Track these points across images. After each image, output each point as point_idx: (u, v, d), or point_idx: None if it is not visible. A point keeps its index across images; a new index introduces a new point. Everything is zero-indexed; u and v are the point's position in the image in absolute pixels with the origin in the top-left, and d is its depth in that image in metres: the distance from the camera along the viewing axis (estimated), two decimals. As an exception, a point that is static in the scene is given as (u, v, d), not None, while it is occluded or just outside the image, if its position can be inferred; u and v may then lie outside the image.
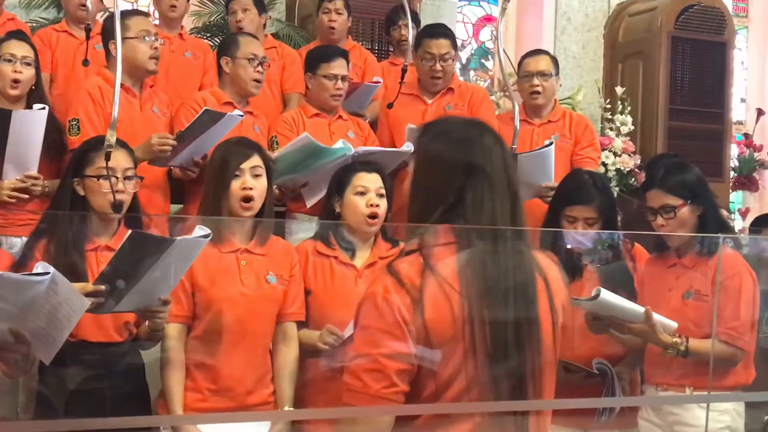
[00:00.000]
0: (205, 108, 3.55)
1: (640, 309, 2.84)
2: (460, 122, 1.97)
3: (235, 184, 2.93)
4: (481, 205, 1.81)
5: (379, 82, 4.62)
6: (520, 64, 4.34)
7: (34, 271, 2.26)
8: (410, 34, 4.02)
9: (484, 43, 7.63)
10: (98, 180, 2.84)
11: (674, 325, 2.88)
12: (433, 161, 1.88)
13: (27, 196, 3.43)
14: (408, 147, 3.86)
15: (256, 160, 2.97)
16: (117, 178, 2.83)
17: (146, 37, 3.65)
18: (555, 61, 4.34)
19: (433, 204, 1.83)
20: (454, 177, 1.82)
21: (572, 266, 3.14)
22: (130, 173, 2.91)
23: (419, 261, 1.77)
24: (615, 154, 6.07)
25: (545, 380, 1.84)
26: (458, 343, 1.73)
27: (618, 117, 6.26)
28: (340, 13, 4.86)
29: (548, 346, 1.84)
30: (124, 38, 3.46)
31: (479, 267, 1.77)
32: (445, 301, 1.74)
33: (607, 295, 2.77)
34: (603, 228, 3.16)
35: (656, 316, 2.83)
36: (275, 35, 5.33)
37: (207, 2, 6.13)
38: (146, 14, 3.91)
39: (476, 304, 1.74)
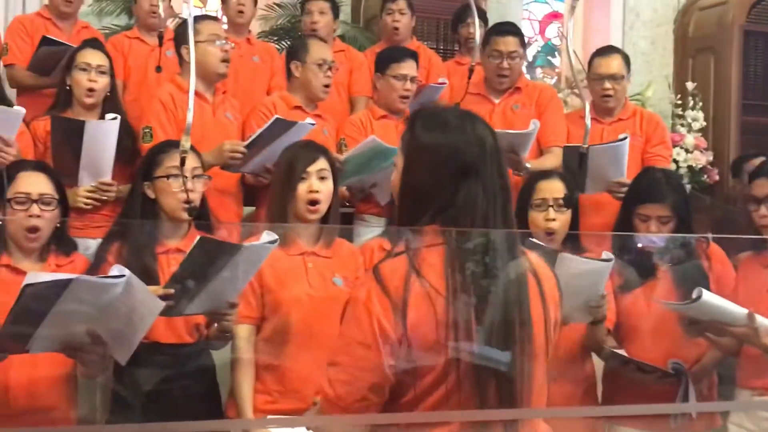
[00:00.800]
0: (277, 116, 3.57)
1: (743, 311, 2.72)
2: (451, 114, 1.88)
3: (302, 187, 2.94)
4: (474, 207, 1.75)
5: (444, 83, 4.61)
6: (590, 63, 4.26)
7: (110, 273, 2.31)
8: (477, 32, 4.00)
9: (550, 39, 7.56)
10: (167, 179, 2.89)
11: None
12: (425, 159, 1.81)
13: (100, 204, 3.51)
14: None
15: (322, 163, 2.98)
16: (186, 177, 2.87)
17: (216, 41, 3.70)
18: (626, 59, 4.23)
19: (422, 205, 1.78)
20: (446, 178, 1.77)
21: (645, 266, 3.09)
22: (198, 172, 2.96)
23: (405, 264, 1.74)
24: (686, 151, 5.96)
25: (535, 383, 1.79)
26: (443, 347, 1.70)
27: (689, 113, 6.15)
28: (403, 13, 4.87)
29: (540, 348, 1.79)
30: (194, 42, 3.52)
31: (467, 269, 1.73)
32: (428, 306, 1.70)
33: (708, 296, 2.67)
34: (677, 226, 3.09)
35: (760, 319, 2.72)
36: (341, 37, 5.36)
37: (274, 6, 6.20)
38: (216, 19, 3.94)
39: (463, 308, 1.70)
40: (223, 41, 3.74)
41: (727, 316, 2.74)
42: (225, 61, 3.74)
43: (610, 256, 2.81)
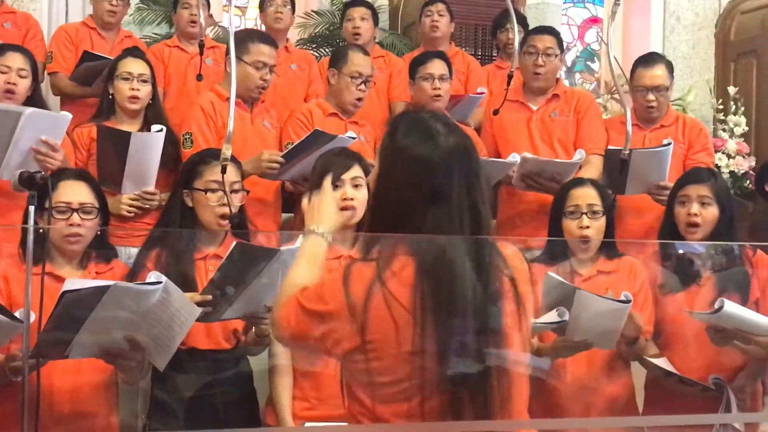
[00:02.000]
0: (316, 128, 3.58)
1: (766, 320, 2.71)
2: (433, 122, 1.84)
3: (336, 195, 2.95)
4: (438, 232, 1.75)
5: (483, 93, 4.59)
6: (633, 71, 4.17)
7: (147, 280, 2.34)
8: (516, 37, 3.98)
9: (589, 45, 7.52)
10: (206, 193, 2.91)
11: None
12: (398, 167, 1.82)
13: (142, 212, 3.55)
14: (514, 158, 3.82)
15: (356, 170, 2.98)
16: (224, 191, 2.88)
17: (259, 68, 3.69)
18: (670, 67, 4.16)
19: (394, 225, 1.79)
20: (415, 200, 1.78)
21: (689, 272, 3.06)
22: (236, 186, 2.98)
23: (373, 271, 1.74)
24: (728, 156, 5.88)
25: (513, 390, 1.78)
26: (404, 360, 1.70)
27: (731, 118, 6.07)
28: (442, 15, 4.90)
29: (516, 354, 1.79)
30: (240, 59, 3.54)
31: (437, 282, 1.72)
32: (388, 317, 1.70)
33: (731, 307, 2.66)
34: (719, 217, 3.07)
35: None
36: (379, 44, 5.38)
37: (312, 14, 6.23)
38: (271, 44, 3.81)
39: (431, 321, 1.70)
40: (267, 69, 3.71)
41: (751, 326, 2.72)
42: (260, 88, 3.73)
43: (629, 297, 2.80)
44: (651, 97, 4.08)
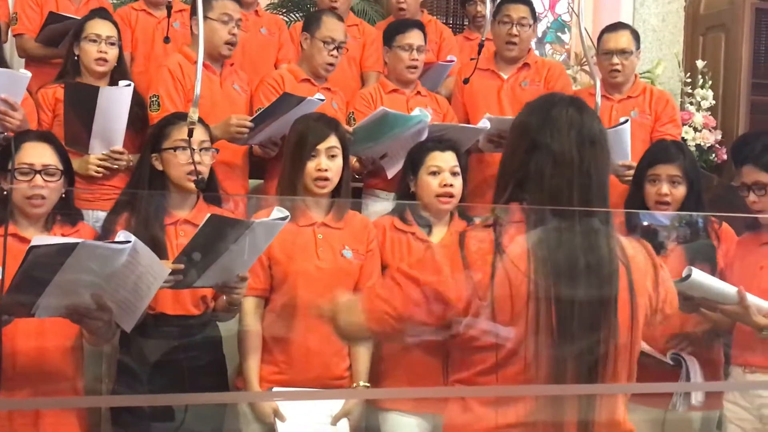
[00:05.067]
0: (285, 92, 3.56)
1: (733, 289, 2.75)
2: (556, 101, 1.89)
3: (311, 165, 2.94)
4: (542, 180, 1.78)
5: (453, 61, 4.58)
6: (599, 39, 4.23)
7: (116, 239, 2.31)
8: (488, 7, 3.96)
9: (560, 16, 7.51)
10: (175, 152, 2.88)
11: None
12: (511, 135, 1.90)
13: (110, 172, 3.50)
14: (484, 124, 3.82)
15: (332, 140, 2.97)
16: (194, 149, 2.85)
17: (226, 21, 3.67)
18: (636, 35, 4.21)
19: (507, 177, 1.85)
20: (521, 150, 1.83)
21: (654, 243, 3.08)
22: (206, 145, 2.95)
23: (491, 238, 1.77)
24: (695, 130, 5.92)
25: (619, 364, 1.80)
26: (520, 324, 1.72)
27: (698, 91, 6.10)
28: None
29: (624, 331, 1.79)
30: (206, 17, 3.49)
31: (548, 247, 1.75)
32: (506, 283, 1.73)
33: (698, 275, 2.69)
34: (687, 192, 3.11)
35: (750, 297, 2.74)
36: (351, 10, 5.31)
37: (282, -22, 6.14)
38: None
39: (543, 286, 1.72)
40: (234, 23, 3.69)
41: (718, 295, 2.76)
42: (230, 44, 3.70)
43: None
44: (615, 60, 4.11)
